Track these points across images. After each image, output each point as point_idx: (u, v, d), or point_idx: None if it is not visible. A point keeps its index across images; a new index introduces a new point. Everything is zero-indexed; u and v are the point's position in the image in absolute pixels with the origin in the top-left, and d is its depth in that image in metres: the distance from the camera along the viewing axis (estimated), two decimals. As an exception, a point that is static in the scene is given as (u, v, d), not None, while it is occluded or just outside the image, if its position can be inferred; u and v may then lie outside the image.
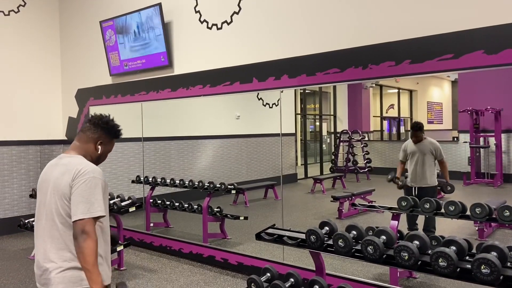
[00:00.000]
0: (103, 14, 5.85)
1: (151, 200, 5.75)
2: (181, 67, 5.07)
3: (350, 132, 8.99)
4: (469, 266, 2.27)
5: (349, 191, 6.60)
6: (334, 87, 9.65)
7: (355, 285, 3.20)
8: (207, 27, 4.76)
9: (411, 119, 9.93)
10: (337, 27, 3.75)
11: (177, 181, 5.55)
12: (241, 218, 5.32)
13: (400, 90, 9.90)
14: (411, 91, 9.83)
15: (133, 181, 6.07)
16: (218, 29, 4.66)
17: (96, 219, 1.84)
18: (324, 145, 10.42)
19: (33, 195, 5.50)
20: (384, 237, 2.65)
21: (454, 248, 2.41)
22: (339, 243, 2.67)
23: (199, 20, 4.83)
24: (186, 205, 5.41)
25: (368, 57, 3.46)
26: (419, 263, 2.43)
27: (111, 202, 4.44)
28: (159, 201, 5.71)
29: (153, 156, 6.83)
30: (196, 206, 5.26)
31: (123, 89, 5.63)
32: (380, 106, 9.95)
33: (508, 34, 2.84)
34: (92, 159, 2.03)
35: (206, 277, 4.33)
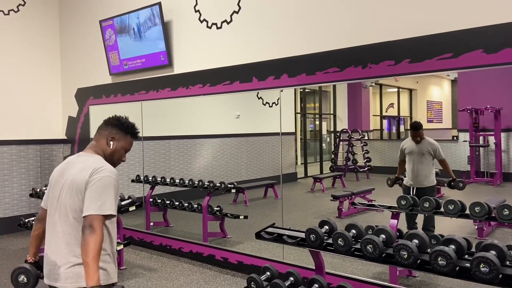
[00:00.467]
0: (103, 14, 5.85)
1: (151, 199, 5.76)
2: (181, 66, 5.07)
3: (350, 131, 8.99)
4: (468, 264, 2.27)
5: (349, 190, 6.61)
6: (334, 86, 9.65)
7: (354, 284, 3.20)
8: (207, 27, 4.76)
9: (411, 118, 9.94)
10: (337, 26, 3.76)
11: (177, 180, 5.56)
12: (241, 217, 5.33)
13: (400, 89, 9.91)
14: (410, 90, 9.84)
15: (133, 180, 6.08)
16: (218, 28, 4.66)
17: (105, 217, 1.86)
18: (324, 144, 10.42)
19: (33, 195, 5.51)
20: (383, 236, 2.65)
21: (453, 247, 2.41)
22: (339, 242, 2.67)
23: (199, 19, 4.83)
24: (186, 204, 5.41)
25: (367, 57, 3.47)
26: (418, 261, 2.44)
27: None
28: (159, 200, 5.71)
29: (153, 156, 6.84)
30: (196, 205, 5.27)
31: (123, 89, 5.64)
32: (380, 105, 9.95)
33: (507, 33, 2.84)
34: (105, 156, 2.05)
35: (206, 276, 4.33)
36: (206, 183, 5.22)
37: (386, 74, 3.41)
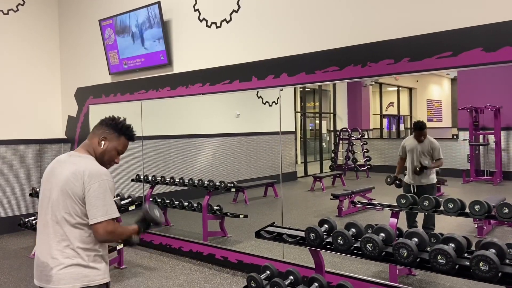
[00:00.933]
0: (102, 13, 5.84)
1: (151, 199, 5.76)
2: (180, 65, 5.07)
3: (349, 130, 8.99)
4: (468, 263, 2.27)
5: (348, 189, 6.61)
6: (334, 85, 9.65)
7: (354, 282, 3.20)
8: (206, 26, 4.76)
9: (411, 117, 9.93)
10: (336, 25, 3.76)
11: (177, 180, 5.56)
12: (241, 216, 5.33)
13: (400, 88, 9.90)
14: (410, 89, 9.83)
15: (133, 180, 6.08)
16: (217, 27, 4.66)
17: (113, 219, 1.91)
18: (323, 143, 10.42)
19: (33, 194, 5.51)
20: (383, 234, 2.65)
21: (452, 245, 2.41)
22: (339, 240, 2.67)
23: (198, 18, 4.82)
24: (186, 204, 5.41)
25: (367, 55, 3.47)
26: (418, 260, 2.44)
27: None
28: (159, 200, 5.71)
29: (152, 155, 6.84)
30: (196, 205, 5.27)
31: (123, 88, 5.64)
32: (380, 104, 9.95)
33: (507, 31, 2.84)
34: (96, 156, 2.02)
35: (206, 275, 4.34)
36: (206, 182, 5.22)
37: (385, 72, 3.41)
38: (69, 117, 6.61)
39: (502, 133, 6.06)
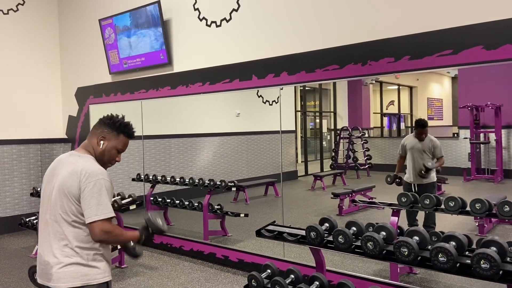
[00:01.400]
0: (102, 12, 5.84)
1: (151, 198, 5.76)
2: (180, 64, 5.06)
3: (350, 129, 8.98)
4: (469, 261, 2.27)
5: (349, 188, 6.61)
6: (334, 84, 9.63)
7: (355, 281, 3.20)
8: (206, 25, 4.75)
9: (412, 115, 9.92)
10: (336, 23, 3.75)
11: (178, 179, 5.56)
12: (242, 215, 5.33)
13: (400, 87, 9.89)
14: (411, 88, 9.82)
15: (133, 179, 6.08)
16: (217, 26, 4.66)
17: (109, 219, 1.90)
18: (324, 142, 10.42)
19: (33, 194, 5.51)
20: (384, 233, 2.65)
21: (453, 243, 2.41)
22: (339, 239, 2.67)
23: (198, 17, 4.82)
24: (186, 203, 5.41)
25: (367, 54, 3.46)
26: (418, 258, 2.44)
27: (112, 200, 4.45)
28: (160, 199, 5.72)
29: (153, 154, 6.84)
30: (197, 204, 5.27)
31: (123, 87, 5.64)
32: (380, 102, 9.94)
33: (507, 29, 2.84)
34: (96, 155, 2.02)
35: (207, 274, 4.34)
36: (206, 182, 5.22)
37: (386, 71, 3.41)
38: (69, 116, 6.61)
39: (503, 131, 6.06)
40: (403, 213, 4.03)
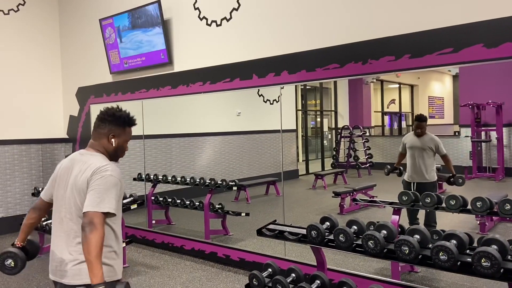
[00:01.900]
0: (102, 12, 5.85)
1: (152, 198, 5.77)
2: (181, 64, 5.06)
3: (351, 128, 8.98)
4: (470, 259, 2.27)
5: (350, 187, 6.60)
6: (335, 83, 9.63)
7: (356, 279, 3.20)
8: (207, 24, 4.75)
9: (413, 114, 9.91)
10: (336, 22, 3.75)
11: (179, 178, 5.57)
12: (243, 214, 5.33)
13: (401, 85, 9.88)
14: (412, 86, 9.81)
15: (134, 179, 6.09)
16: (217, 25, 4.66)
17: (105, 215, 1.85)
18: (325, 141, 10.42)
19: (35, 194, 5.52)
20: (385, 231, 2.65)
21: (454, 241, 2.41)
22: (340, 238, 2.67)
23: (199, 17, 4.82)
24: (187, 202, 5.42)
25: (367, 52, 3.46)
26: (420, 257, 2.44)
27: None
28: (161, 198, 5.72)
29: (154, 154, 6.84)
30: (198, 203, 5.27)
31: (124, 87, 5.64)
32: (381, 101, 9.93)
33: (508, 27, 2.83)
34: (109, 154, 2.06)
35: (208, 273, 4.34)
36: (207, 181, 5.22)
37: (386, 69, 3.40)
38: (70, 116, 6.62)
39: (504, 130, 6.05)
40: (404, 211, 4.03)
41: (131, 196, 4.64)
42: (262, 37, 4.28)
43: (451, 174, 4.39)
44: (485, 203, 3.19)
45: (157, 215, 5.90)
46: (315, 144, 10.59)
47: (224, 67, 4.53)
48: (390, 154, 8.42)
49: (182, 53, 5.06)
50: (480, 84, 6.13)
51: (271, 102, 6.23)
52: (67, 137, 6.68)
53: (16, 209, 6.22)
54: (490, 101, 6.20)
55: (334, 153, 9.28)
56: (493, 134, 6.18)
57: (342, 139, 9.10)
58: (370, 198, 5.63)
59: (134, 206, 4.49)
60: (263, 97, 6.61)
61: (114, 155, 2.08)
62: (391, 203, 3.83)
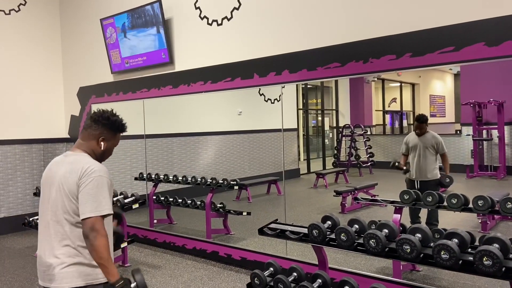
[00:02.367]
0: (103, 12, 5.85)
1: (154, 197, 5.78)
2: (182, 63, 5.07)
3: (352, 127, 8.97)
4: (471, 258, 2.27)
5: (351, 186, 6.60)
6: (336, 82, 9.63)
7: (358, 278, 3.20)
8: (208, 23, 4.75)
9: (414, 112, 9.90)
10: (337, 21, 3.74)
11: (180, 178, 5.57)
12: (244, 213, 5.34)
13: (402, 84, 9.87)
14: (413, 85, 9.80)
15: (136, 178, 6.09)
16: (218, 25, 4.66)
17: (104, 217, 1.86)
18: (326, 140, 10.42)
19: (37, 194, 5.54)
20: (386, 230, 2.65)
21: (456, 240, 2.41)
22: (342, 237, 2.67)
23: (199, 16, 4.82)
24: (189, 201, 5.42)
25: (368, 51, 3.46)
26: (421, 255, 2.44)
27: (114, 199, 4.47)
28: (162, 198, 5.73)
29: (155, 153, 6.85)
30: (199, 202, 5.28)
31: (125, 87, 5.64)
32: (382, 100, 9.92)
33: (509, 25, 2.82)
34: (96, 156, 2.04)
35: (210, 272, 4.35)
36: (209, 180, 5.23)
37: (387, 68, 3.40)
38: (72, 116, 6.63)
39: (506, 128, 6.04)
40: (405, 210, 4.03)
41: (132, 195, 4.65)
42: (263, 36, 4.28)
43: (443, 173, 4.43)
44: (486, 202, 3.19)
45: (158, 215, 5.91)
46: (316, 143, 10.59)
47: (225, 66, 4.53)
48: (391, 153, 8.42)
49: (183, 53, 5.06)
50: (482, 83, 6.12)
51: (272, 101, 6.23)
52: (69, 136, 6.69)
53: (17, 209, 6.24)
54: (491, 99, 6.19)
55: (335, 152, 9.28)
56: (495, 133, 6.17)
57: (343, 138, 9.09)
58: (371, 197, 5.63)
59: (135, 206, 4.50)
60: (264, 96, 6.61)
61: (100, 158, 2.07)
62: (392, 202, 3.83)
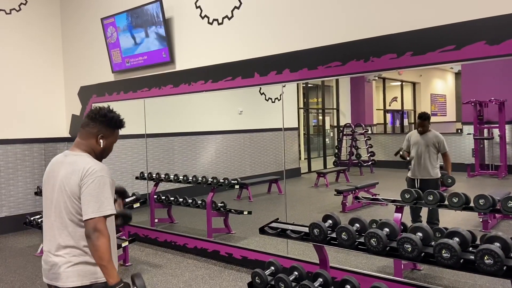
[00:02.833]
0: (104, 11, 5.85)
1: (155, 196, 5.78)
2: (182, 63, 5.07)
3: (353, 126, 8.97)
4: (473, 257, 2.27)
5: (352, 185, 6.60)
6: (337, 81, 9.63)
7: (359, 277, 3.20)
8: (208, 23, 4.75)
9: (415, 111, 9.90)
10: (338, 20, 3.74)
11: (181, 177, 5.57)
12: (245, 212, 5.34)
13: (403, 83, 9.87)
14: (414, 84, 9.80)
15: (137, 178, 6.10)
16: (219, 24, 4.65)
17: (106, 217, 1.86)
18: (327, 139, 10.42)
19: (38, 193, 5.54)
20: (387, 229, 2.65)
21: (457, 239, 2.40)
22: (343, 236, 2.67)
23: (200, 15, 4.82)
24: (190, 201, 5.43)
25: (369, 50, 3.45)
26: (422, 254, 2.43)
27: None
28: (163, 197, 5.73)
29: (156, 152, 6.86)
30: (200, 202, 5.28)
31: (125, 86, 5.64)
32: (383, 99, 9.92)
33: (510, 24, 2.82)
34: (96, 154, 2.04)
35: (211, 271, 4.35)
36: (209, 180, 5.23)
37: (388, 67, 3.39)
38: (73, 115, 6.63)
39: (507, 127, 6.03)
40: (406, 209, 4.03)
41: (133, 194, 4.64)
42: (263, 35, 4.28)
43: (445, 173, 4.43)
44: (487, 201, 3.18)
45: (159, 214, 5.92)
46: (317, 142, 10.59)
47: (225, 65, 4.52)
48: (392, 151, 8.40)
49: (184, 52, 5.06)
50: (483, 81, 6.11)
51: (273, 101, 6.23)
52: (70, 136, 6.70)
53: (19, 208, 6.25)
54: (492, 98, 6.18)
55: (336, 151, 9.28)
56: (496, 132, 6.16)
57: (344, 137, 9.09)
58: (372, 196, 5.63)
59: (136, 205, 4.49)
60: (265, 95, 6.61)
61: (100, 156, 2.06)
62: (393, 201, 3.83)
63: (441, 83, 10.24)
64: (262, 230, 3.13)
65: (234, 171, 8.05)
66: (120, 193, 2.29)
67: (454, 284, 3.64)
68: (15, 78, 6.24)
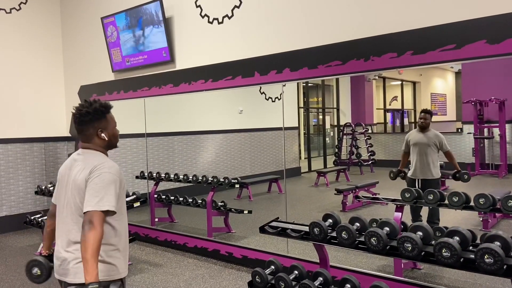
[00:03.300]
0: (104, 10, 5.85)
1: (155, 195, 5.78)
2: (183, 62, 5.07)
3: (353, 125, 8.97)
4: (473, 256, 2.27)
5: (352, 184, 6.61)
6: (337, 80, 9.63)
7: (359, 276, 3.20)
8: (208, 22, 4.75)
9: (415, 111, 9.90)
10: (338, 19, 3.74)
11: (181, 176, 5.57)
12: (245, 212, 5.34)
13: (404, 82, 9.86)
14: (414, 83, 9.79)
15: (137, 177, 6.10)
16: (219, 23, 4.65)
17: (105, 213, 1.85)
18: (327, 138, 10.42)
19: (38, 192, 5.54)
20: (387, 228, 2.65)
21: (457, 238, 2.41)
22: (343, 235, 2.67)
23: (200, 14, 4.82)
24: (190, 200, 5.43)
25: (369, 49, 3.45)
26: (422, 253, 2.44)
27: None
28: (164, 196, 5.74)
29: (156, 152, 6.86)
30: (200, 201, 5.28)
31: (126, 85, 5.64)
32: (383, 98, 9.92)
33: (511, 23, 2.82)
34: (106, 147, 2.07)
35: (211, 270, 4.36)
36: (210, 179, 5.23)
37: (388, 66, 3.39)
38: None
39: (507, 126, 6.04)
40: (406, 208, 4.03)
41: (134, 194, 4.65)
42: (263, 35, 4.28)
43: (456, 170, 4.39)
44: (488, 200, 3.18)
45: (159, 213, 5.92)
46: (317, 141, 10.60)
47: (226, 64, 4.52)
48: (392, 151, 8.42)
49: (184, 51, 5.06)
50: (483, 81, 6.12)
51: (273, 100, 6.23)
52: (70, 135, 6.70)
53: (19, 207, 6.25)
54: (493, 97, 6.19)
55: (336, 150, 9.29)
56: (496, 131, 6.16)
57: (344, 137, 9.09)
58: (372, 195, 5.63)
59: (137, 204, 4.50)
60: (265, 94, 6.61)
61: (110, 145, 2.09)
62: (393, 200, 3.83)
63: (441, 83, 10.23)
64: (262, 229, 3.13)
65: (234, 170, 8.05)
66: None
67: (454, 283, 3.64)
68: (15, 77, 6.24)
